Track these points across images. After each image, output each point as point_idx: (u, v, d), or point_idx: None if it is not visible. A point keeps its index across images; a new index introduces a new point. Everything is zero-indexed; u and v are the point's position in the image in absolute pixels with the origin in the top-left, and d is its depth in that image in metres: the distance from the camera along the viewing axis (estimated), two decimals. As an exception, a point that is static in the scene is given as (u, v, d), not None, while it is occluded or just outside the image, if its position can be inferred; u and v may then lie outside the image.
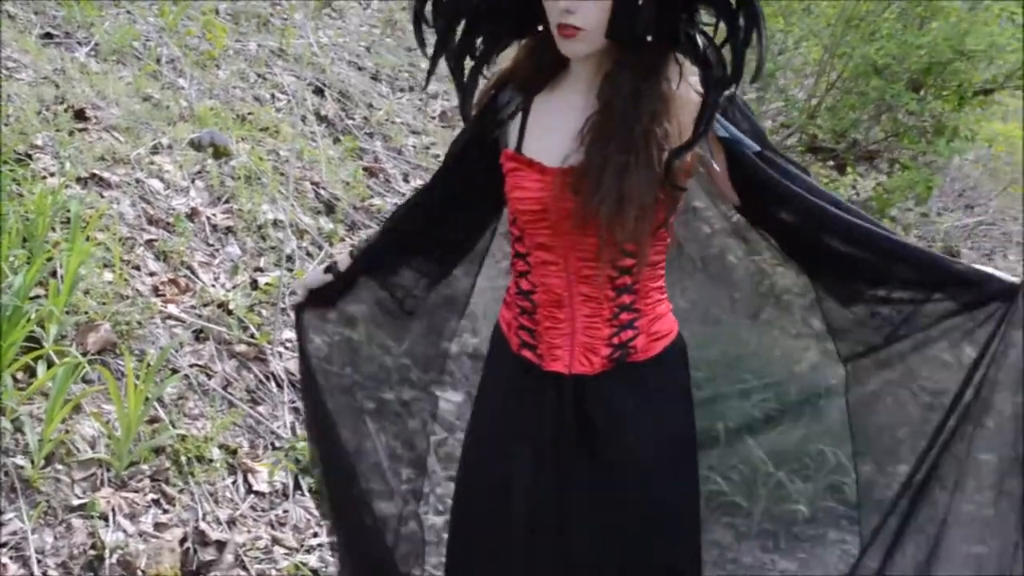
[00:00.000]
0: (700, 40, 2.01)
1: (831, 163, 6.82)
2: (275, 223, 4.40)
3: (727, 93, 2.00)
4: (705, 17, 2.05)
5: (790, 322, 2.45)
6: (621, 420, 2.15)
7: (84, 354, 3.22)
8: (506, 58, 2.24)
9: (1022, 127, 7.73)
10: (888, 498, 2.35)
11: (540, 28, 2.09)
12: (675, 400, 2.24)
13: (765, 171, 2.10)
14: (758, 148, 2.11)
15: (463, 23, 2.14)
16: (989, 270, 2.08)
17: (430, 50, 2.17)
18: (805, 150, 6.82)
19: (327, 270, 2.52)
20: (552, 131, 2.12)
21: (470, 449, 2.31)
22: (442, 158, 5.82)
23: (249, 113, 5.19)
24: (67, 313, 3.34)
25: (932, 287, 2.11)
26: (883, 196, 6.67)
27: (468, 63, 2.16)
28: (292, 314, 2.71)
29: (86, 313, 3.40)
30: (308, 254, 4.41)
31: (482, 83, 2.23)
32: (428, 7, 2.13)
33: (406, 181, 5.56)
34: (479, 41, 2.16)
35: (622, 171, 1.99)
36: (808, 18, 6.87)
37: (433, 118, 6.56)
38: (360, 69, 6.57)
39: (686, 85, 2.06)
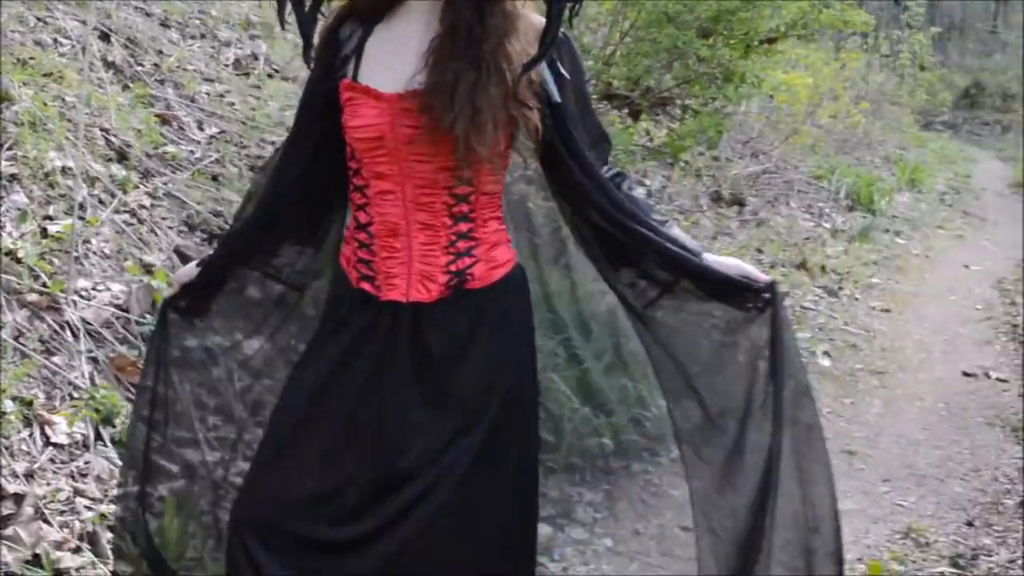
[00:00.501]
0: None
1: (626, 110, 7.00)
2: (64, 170, 4.23)
3: (568, 9, 2.05)
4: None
5: (588, 267, 2.52)
6: (458, 347, 2.18)
7: None
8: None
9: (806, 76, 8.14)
10: (685, 429, 2.49)
11: None
12: (515, 328, 2.28)
13: (550, 126, 2.17)
14: (557, 100, 2.17)
15: None
16: (733, 270, 2.29)
17: None
18: (601, 97, 6.98)
19: (199, 264, 2.47)
20: (389, 59, 2.13)
21: (297, 379, 2.28)
22: (237, 106, 5.68)
23: (31, 57, 4.95)
24: None
25: (678, 276, 2.31)
26: (676, 142, 6.90)
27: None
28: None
29: None
30: (101, 202, 4.26)
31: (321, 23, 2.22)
32: None
33: (201, 129, 5.42)
34: None
35: (474, 87, 2.03)
36: (601, -32, 7.02)
37: (227, 66, 6.40)
38: (148, 15, 6.33)
39: (530, 5, 2.11)
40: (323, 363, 2.22)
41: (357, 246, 2.21)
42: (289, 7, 2.16)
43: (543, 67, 2.13)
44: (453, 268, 2.16)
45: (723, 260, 2.35)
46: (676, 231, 2.34)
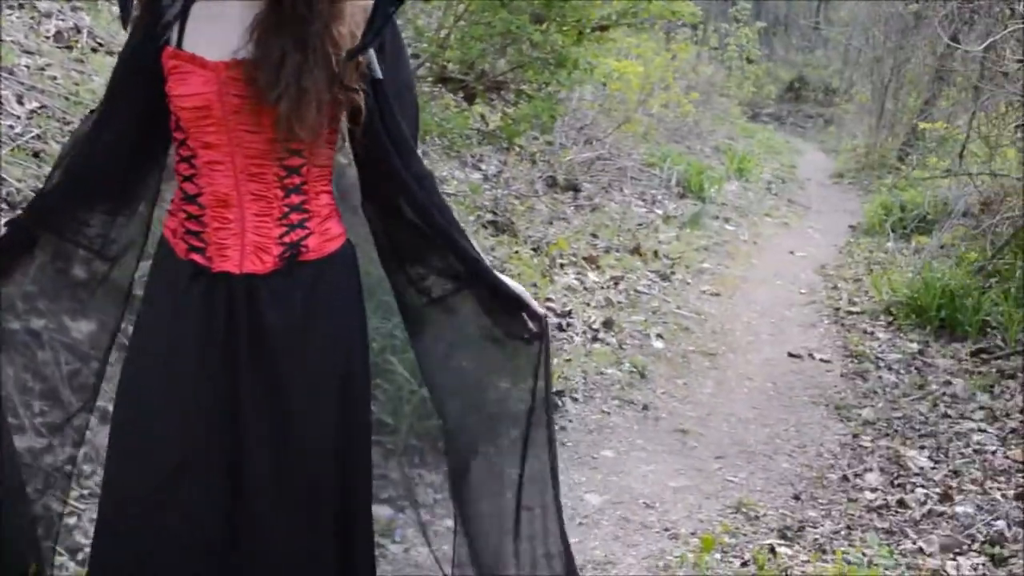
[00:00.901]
0: None
1: (461, 94, 7.00)
2: None
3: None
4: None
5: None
6: (293, 319, 2.14)
7: None
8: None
9: (637, 65, 8.29)
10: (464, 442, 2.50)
11: None
12: (348, 303, 2.25)
13: (370, 103, 2.14)
14: (379, 76, 2.14)
15: None
16: (520, 293, 2.34)
17: None
18: (436, 80, 6.96)
19: (6, 224, 2.35)
20: (214, 27, 2.06)
21: (132, 360, 2.19)
22: (59, 80, 5.43)
23: None
24: None
25: (470, 282, 2.32)
26: (510, 126, 6.94)
27: None
28: None
29: None
30: (-88, 174, 4.02)
31: None
32: None
33: (20, 103, 5.15)
34: None
35: (299, 68, 1.99)
36: (434, -49, 7.00)
37: (48, 38, 6.11)
38: (-39, -21, 6.01)
39: None
40: (157, 343, 2.15)
41: (185, 217, 2.14)
42: None
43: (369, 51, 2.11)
44: (287, 240, 2.12)
45: (513, 282, 2.38)
46: (475, 243, 2.37)
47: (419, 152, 2.32)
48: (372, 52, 2.11)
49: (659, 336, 6.61)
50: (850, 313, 7.70)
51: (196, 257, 2.12)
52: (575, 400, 5.34)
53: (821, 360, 6.59)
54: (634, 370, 5.86)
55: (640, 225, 9.46)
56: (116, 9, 2.15)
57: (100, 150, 2.22)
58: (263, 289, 2.11)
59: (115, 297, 2.42)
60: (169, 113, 2.12)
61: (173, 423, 2.12)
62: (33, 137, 4.88)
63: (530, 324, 2.36)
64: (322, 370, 2.17)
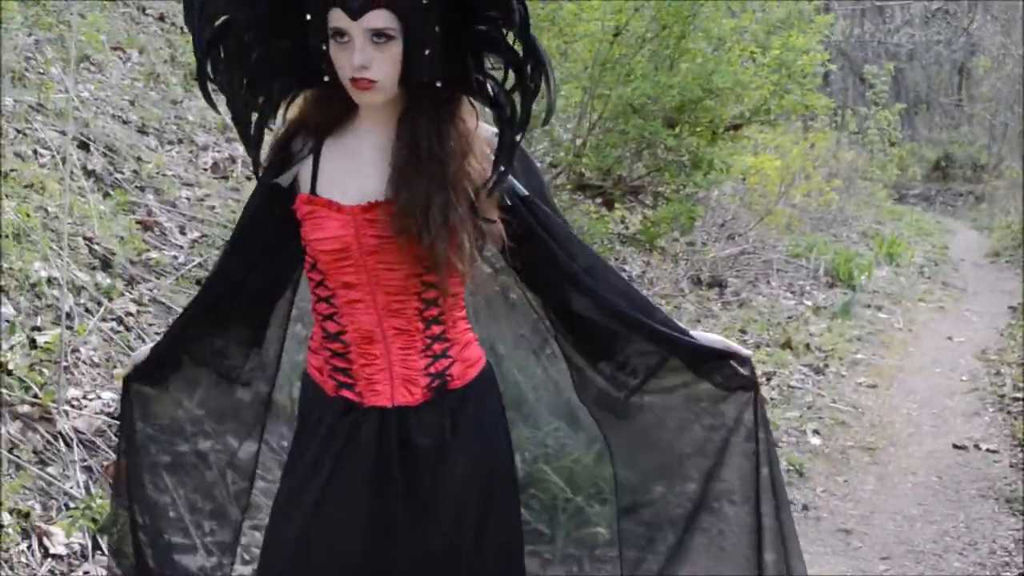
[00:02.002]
0: (489, 84, 2.11)
1: (599, 200, 7.09)
2: (49, 280, 4.23)
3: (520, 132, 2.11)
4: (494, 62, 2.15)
5: (574, 355, 2.53)
6: (446, 449, 2.20)
7: None
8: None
9: (774, 159, 8.28)
10: (679, 515, 2.51)
11: (326, 79, 2.13)
12: (495, 426, 2.31)
13: (527, 218, 2.22)
14: (525, 193, 2.22)
15: (244, 79, 2.16)
16: (721, 343, 2.36)
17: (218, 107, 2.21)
18: (574, 188, 7.07)
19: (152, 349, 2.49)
20: (347, 171, 2.17)
21: (288, 495, 2.27)
22: (218, 209, 5.72)
23: (12, 170, 4.98)
24: None
25: (667, 355, 2.35)
26: (650, 228, 6.99)
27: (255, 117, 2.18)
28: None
29: None
30: (87, 310, 4.26)
31: (271, 136, 2.25)
32: (210, 65, 2.13)
33: (183, 233, 5.44)
34: (261, 97, 2.18)
35: (445, 207, 2.07)
36: (566, 62, 7.15)
37: (205, 170, 6.45)
38: (125, 123, 6.39)
39: (481, 123, 2.17)
40: (311, 476, 2.22)
41: (330, 355, 2.22)
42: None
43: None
44: (432, 370, 2.20)
45: (708, 335, 2.41)
46: (661, 313, 2.39)
47: None
48: (512, 178, 2.19)
49: (815, 432, 6.48)
50: (1016, 399, 7.40)
51: (346, 393, 2.20)
52: (732, 502, 5.25)
53: (988, 451, 6.34)
54: (791, 468, 5.74)
55: (789, 318, 9.32)
56: (267, 138, 2.28)
57: (234, 284, 2.36)
58: (413, 419, 2.18)
59: (279, 418, 2.54)
60: (297, 253, 2.23)
61: (326, 548, 2.19)
62: (195, 266, 5.13)
63: (740, 370, 2.37)
64: (472, 492, 2.23)
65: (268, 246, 2.30)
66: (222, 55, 2.12)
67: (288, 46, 2.14)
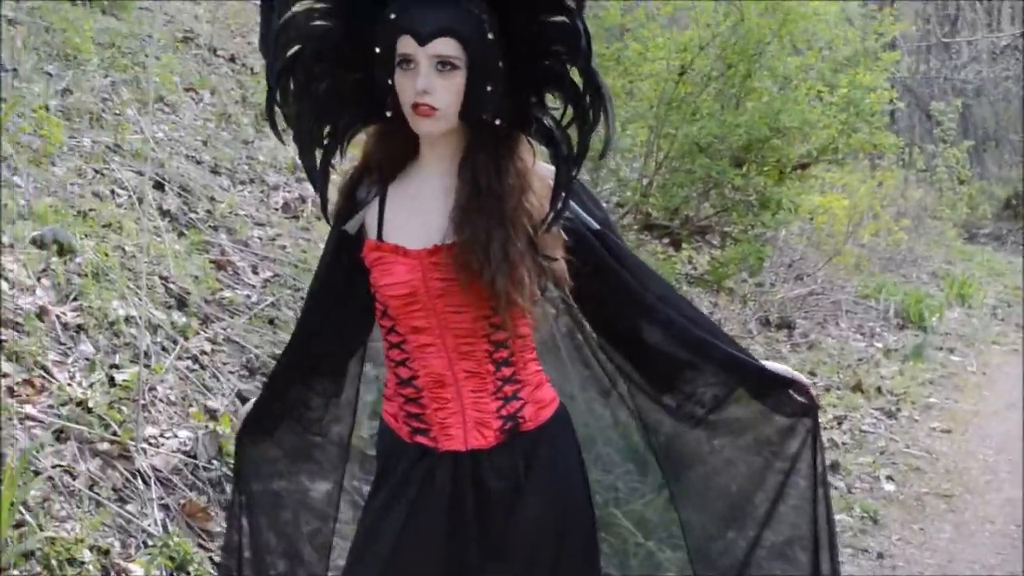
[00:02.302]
0: (548, 121, 2.13)
1: (666, 240, 7.07)
2: (127, 319, 4.29)
3: (576, 169, 2.12)
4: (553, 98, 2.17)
5: (640, 397, 2.54)
6: (519, 491, 2.21)
7: (-61, 461, 3.08)
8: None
9: (842, 198, 8.21)
10: (755, 561, 2.50)
11: (388, 114, 2.15)
12: (570, 467, 2.31)
13: (599, 251, 2.24)
14: (597, 226, 2.23)
15: (311, 110, 2.18)
16: (784, 371, 2.41)
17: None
18: (641, 228, 7.06)
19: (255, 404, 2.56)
20: (411, 216, 2.19)
21: (365, 538, 2.29)
22: (288, 249, 5.78)
23: (90, 209, 5.08)
24: (-83, 419, 3.19)
25: (734, 385, 2.38)
26: (718, 269, 6.95)
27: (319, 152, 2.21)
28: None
29: (-62, 418, 3.25)
30: (164, 349, 4.31)
31: (338, 181, 2.29)
32: (279, 95, 2.16)
33: (255, 273, 5.50)
34: (327, 130, 2.21)
35: (505, 243, 2.08)
36: (632, 101, 7.15)
37: (276, 210, 6.52)
38: (199, 163, 6.50)
39: (538, 160, 2.18)
40: (389, 521, 2.24)
41: (403, 401, 2.24)
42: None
43: (572, 205, 2.20)
44: (504, 412, 2.20)
45: (774, 364, 2.45)
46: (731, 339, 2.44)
47: None
48: (579, 209, 2.20)
49: (889, 478, 6.36)
50: (1095, 445, 7.23)
51: (422, 439, 2.22)
52: (804, 548, 5.16)
53: (1068, 498, 6.19)
54: (865, 515, 5.64)
55: (860, 360, 9.18)
56: (337, 177, 2.31)
57: (311, 334, 2.40)
58: (486, 462, 2.19)
59: (350, 458, 2.56)
60: (370, 300, 2.24)
61: None
62: (268, 305, 5.18)
63: (799, 398, 2.40)
64: (547, 535, 2.23)
65: (341, 294, 2.33)
66: (292, 86, 2.16)
67: (356, 79, 2.18)
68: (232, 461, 2.79)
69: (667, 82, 6.77)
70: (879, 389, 8.27)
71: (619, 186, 7.30)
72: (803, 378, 2.42)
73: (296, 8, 2.13)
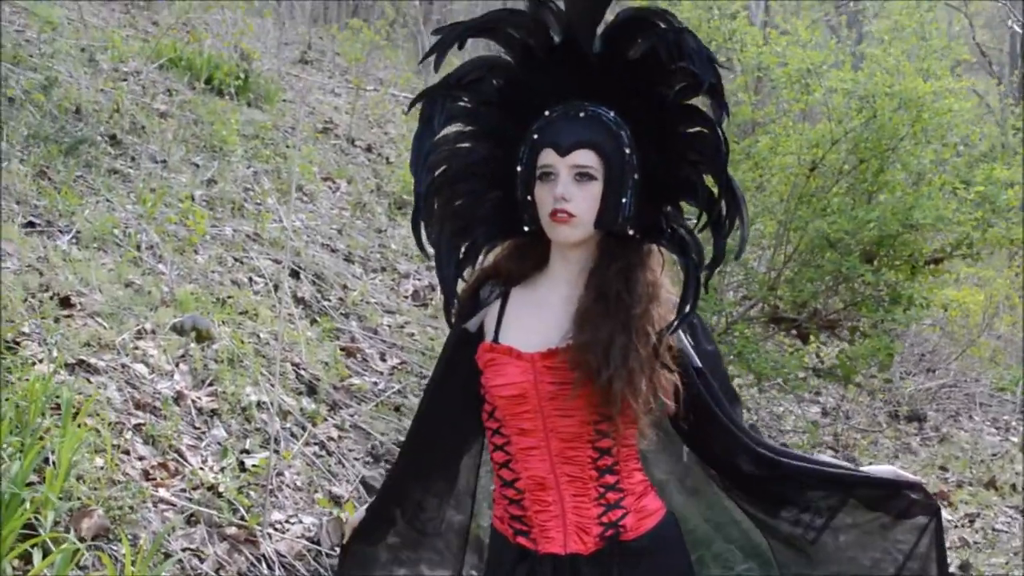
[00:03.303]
0: (681, 231, 2.20)
1: (794, 332, 7.01)
2: (259, 405, 4.45)
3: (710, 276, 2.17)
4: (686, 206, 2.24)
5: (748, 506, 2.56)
6: None
7: (79, 540, 3.23)
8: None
9: (977, 292, 8.01)
10: None
11: (526, 228, 2.24)
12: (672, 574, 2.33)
13: (697, 387, 2.28)
14: (699, 364, 2.28)
15: (452, 227, 2.30)
16: (890, 472, 2.40)
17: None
18: (768, 320, 7.01)
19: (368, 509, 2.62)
20: (530, 320, 2.27)
21: None
22: (416, 336, 5.91)
23: (229, 296, 5.29)
24: (61, 499, 3.35)
25: (843, 498, 2.38)
26: (847, 363, 6.85)
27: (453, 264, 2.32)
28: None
29: (79, 499, 3.42)
30: (292, 435, 4.46)
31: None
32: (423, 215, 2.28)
33: (383, 360, 5.64)
34: (466, 243, 2.31)
35: (627, 348, 2.14)
36: (761, 195, 7.15)
37: (406, 298, 6.69)
38: (333, 251, 6.72)
39: (667, 271, 2.24)
40: None
41: (507, 503, 2.30)
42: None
43: (682, 338, 2.26)
44: (605, 520, 2.24)
45: (877, 467, 2.43)
46: (824, 457, 2.47)
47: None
48: (688, 346, 2.24)
49: (1024, 582, 6.13)
50: None
51: (522, 541, 2.27)
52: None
53: None
54: (997, 620, 5.45)
55: (994, 455, 8.88)
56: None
57: (430, 432, 2.46)
58: (585, 568, 2.22)
59: (468, 546, 2.60)
60: (481, 402, 2.31)
61: None
62: (394, 392, 5.31)
63: (915, 496, 2.38)
64: None
65: (458, 395, 2.39)
66: (436, 204, 2.27)
67: (496, 197, 2.28)
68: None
69: (798, 176, 6.76)
70: (1014, 486, 7.98)
71: (746, 278, 7.27)
72: (912, 477, 2.40)
73: (446, 131, 2.26)
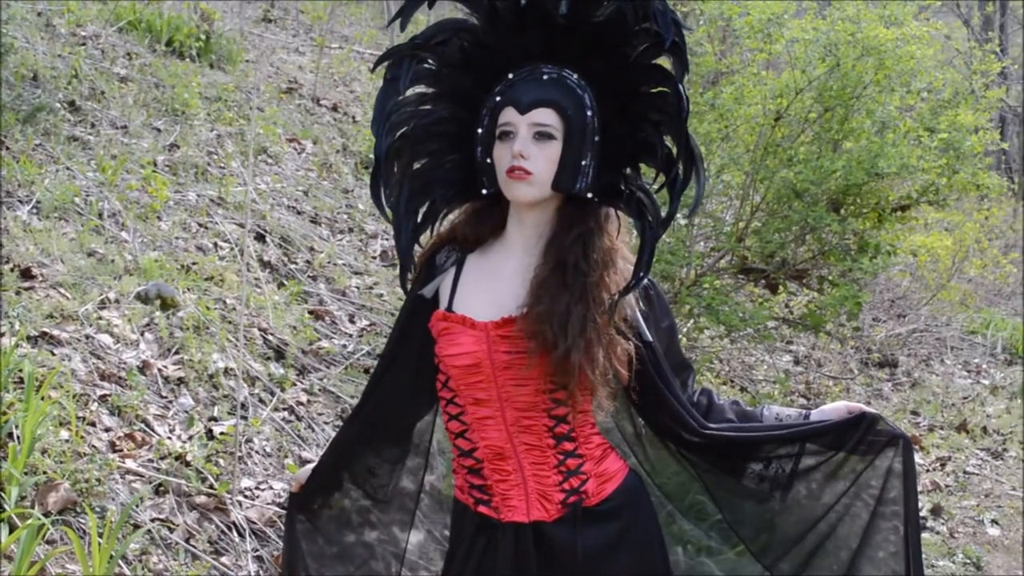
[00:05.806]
0: (639, 193, 2.19)
1: (763, 283, 7.03)
2: (226, 371, 4.44)
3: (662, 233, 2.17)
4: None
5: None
6: (589, 564, 2.24)
7: (46, 514, 3.22)
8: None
9: (945, 236, 8.05)
10: None
11: (485, 191, 2.24)
12: (641, 539, 2.34)
13: (645, 361, 2.28)
14: (650, 338, 2.28)
15: (410, 188, 2.28)
16: (842, 411, 2.38)
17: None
18: (737, 271, 7.02)
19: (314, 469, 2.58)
20: (484, 289, 2.26)
21: None
22: (386, 297, 5.89)
23: (193, 263, 5.26)
24: (26, 474, 3.34)
25: (802, 449, 2.39)
26: (816, 313, 6.88)
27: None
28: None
29: (45, 473, 3.41)
30: (261, 400, 4.45)
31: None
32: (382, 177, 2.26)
33: (352, 322, 5.63)
34: (425, 205, 2.30)
35: (584, 319, 2.14)
36: (727, 146, 7.14)
37: (374, 258, 6.67)
38: (299, 213, 6.68)
39: (623, 236, 2.24)
40: None
41: (467, 472, 2.30)
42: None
43: (635, 308, 2.26)
44: (567, 486, 2.25)
45: (825, 409, 2.42)
46: (774, 410, 2.43)
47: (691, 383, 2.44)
48: (640, 319, 2.24)
49: (994, 522, 6.21)
50: None
51: (484, 510, 2.27)
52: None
53: None
54: (968, 561, 5.52)
55: (965, 398, 8.98)
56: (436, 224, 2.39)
57: (384, 399, 2.43)
58: (550, 535, 2.23)
59: (440, 507, 2.61)
60: (436, 371, 2.30)
61: None
62: (364, 354, 5.30)
63: (878, 428, 2.37)
64: None
65: (412, 363, 2.37)
66: (396, 166, 2.25)
67: (455, 159, 2.27)
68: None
69: (763, 126, 6.75)
70: (985, 428, 8.08)
71: (715, 230, 7.28)
72: (866, 408, 2.39)
73: (409, 92, 2.24)
